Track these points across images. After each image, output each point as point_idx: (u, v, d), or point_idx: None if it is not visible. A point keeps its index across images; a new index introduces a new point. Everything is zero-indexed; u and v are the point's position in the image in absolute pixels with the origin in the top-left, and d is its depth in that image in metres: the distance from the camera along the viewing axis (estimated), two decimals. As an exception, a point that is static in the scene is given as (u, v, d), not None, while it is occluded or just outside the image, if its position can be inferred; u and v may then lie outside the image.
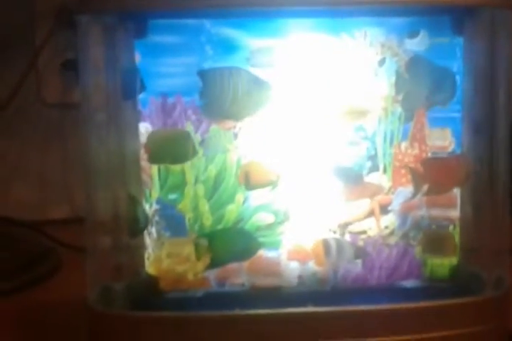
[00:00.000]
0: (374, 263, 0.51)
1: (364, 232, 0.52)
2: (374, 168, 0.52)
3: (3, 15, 0.88)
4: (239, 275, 0.50)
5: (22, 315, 0.68)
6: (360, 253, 0.51)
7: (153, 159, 0.49)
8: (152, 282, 0.50)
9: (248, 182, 0.49)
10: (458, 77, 0.51)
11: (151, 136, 0.49)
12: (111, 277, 0.50)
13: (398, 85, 0.50)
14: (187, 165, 0.50)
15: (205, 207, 0.51)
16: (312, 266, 0.51)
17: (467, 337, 0.49)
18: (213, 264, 0.50)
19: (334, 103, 0.49)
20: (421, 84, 0.50)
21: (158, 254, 0.50)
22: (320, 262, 0.50)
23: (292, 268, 0.51)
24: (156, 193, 0.51)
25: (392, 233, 0.52)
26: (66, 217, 0.94)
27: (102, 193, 0.49)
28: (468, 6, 0.47)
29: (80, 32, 0.47)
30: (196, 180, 0.51)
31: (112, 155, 0.49)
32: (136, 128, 0.50)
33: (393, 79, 0.50)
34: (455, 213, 0.52)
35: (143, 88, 0.49)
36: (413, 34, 0.50)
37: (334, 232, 0.51)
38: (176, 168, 0.50)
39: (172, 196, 0.51)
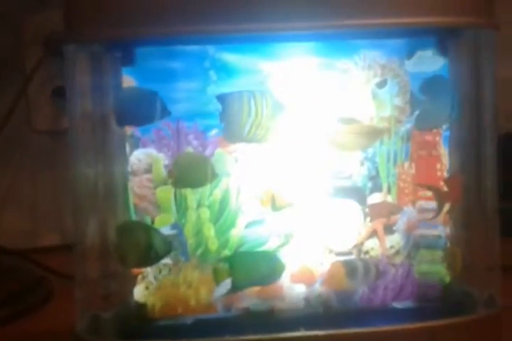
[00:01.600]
0: (380, 284, 0.51)
1: (367, 252, 0.52)
2: (376, 189, 0.52)
3: (-10, 44, 0.89)
4: (244, 300, 0.50)
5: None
6: (380, 274, 0.51)
7: (178, 184, 0.48)
8: (141, 310, 0.49)
9: (274, 204, 0.49)
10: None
11: (177, 161, 0.48)
12: (99, 306, 0.49)
13: (413, 105, 0.50)
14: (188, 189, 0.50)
15: (210, 231, 0.50)
16: (318, 288, 0.50)
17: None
18: (234, 288, 0.48)
19: (338, 124, 0.49)
20: (439, 104, 0.49)
21: (162, 280, 0.50)
22: (339, 284, 0.50)
23: (298, 291, 0.50)
24: (170, 219, 0.50)
25: (397, 253, 0.52)
26: (57, 244, 0.93)
27: (91, 221, 0.48)
28: (451, 26, 0.47)
29: (67, 60, 0.48)
30: (199, 205, 0.50)
31: (100, 182, 0.49)
32: (124, 155, 0.50)
33: (396, 99, 0.50)
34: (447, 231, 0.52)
35: (166, 113, 0.48)
36: (409, 55, 0.50)
37: (349, 254, 0.51)
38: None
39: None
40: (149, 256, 0.47)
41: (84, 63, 0.47)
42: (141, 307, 0.50)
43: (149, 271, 0.50)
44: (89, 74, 0.48)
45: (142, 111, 0.48)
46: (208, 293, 0.49)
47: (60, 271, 0.82)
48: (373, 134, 0.50)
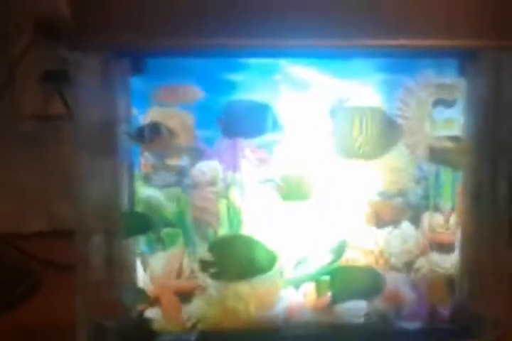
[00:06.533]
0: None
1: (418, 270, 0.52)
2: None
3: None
4: (302, 314, 0.50)
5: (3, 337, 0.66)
6: None
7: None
8: (145, 324, 0.49)
9: None
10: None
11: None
12: (102, 315, 0.49)
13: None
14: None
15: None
16: (378, 303, 0.50)
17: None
18: (334, 301, 0.49)
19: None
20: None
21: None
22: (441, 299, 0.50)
23: (360, 307, 0.50)
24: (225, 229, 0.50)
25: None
26: (43, 230, 0.92)
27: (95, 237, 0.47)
28: (470, 48, 0.47)
29: (74, 67, 0.46)
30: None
31: (105, 189, 0.48)
32: (129, 162, 0.49)
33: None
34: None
35: (278, 127, 0.48)
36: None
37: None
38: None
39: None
40: (253, 268, 0.48)
41: (92, 71, 0.46)
42: (146, 320, 0.49)
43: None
44: (96, 82, 0.46)
45: (254, 123, 0.47)
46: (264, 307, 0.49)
47: (47, 260, 0.81)
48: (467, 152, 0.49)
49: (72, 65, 0.46)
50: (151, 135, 0.47)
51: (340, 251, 0.50)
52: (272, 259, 0.48)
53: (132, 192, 0.49)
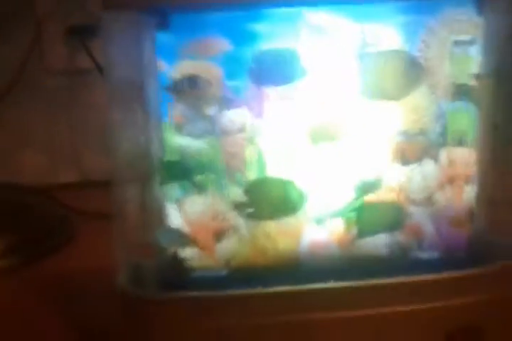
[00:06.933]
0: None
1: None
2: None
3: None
4: (326, 248, 0.52)
5: (46, 282, 0.70)
6: None
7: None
8: (180, 262, 0.52)
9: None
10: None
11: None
12: (141, 255, 0.52)
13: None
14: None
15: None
16: (399, 236, 0.52)
17: (483, 304, 0.52)
18: (360, 236, 0.52)
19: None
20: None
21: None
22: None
23: (382, 240, 0.53)
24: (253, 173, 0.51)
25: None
26: (76, 181, 0.95)
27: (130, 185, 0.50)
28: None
29: (103, 28, 0.48)
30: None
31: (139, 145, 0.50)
32: (159, 120, 0.50)
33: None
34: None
35: (303, 73, 0.49)
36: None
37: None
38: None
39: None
40: (288, 207, 0.51)
41: (122, 28, 0.48)
42: (181, 259, 0.52)
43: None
44: (126, 38, 0.48)
45: (283, 70, 0.49)
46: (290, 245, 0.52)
47: (81, 209, 0.84)
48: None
49: (103, 21, 0.47)
50: (190, 87, 0.49)
51: (363, 188, 0.52)
52: (302, 199, 0.51)
53: (164, 142, 0.51)
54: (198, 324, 0.50)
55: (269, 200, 0.51)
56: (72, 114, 0.93)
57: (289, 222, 0.52)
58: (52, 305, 0.65)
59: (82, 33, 0.87)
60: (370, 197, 0.52)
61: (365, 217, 0.52)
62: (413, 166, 0.52)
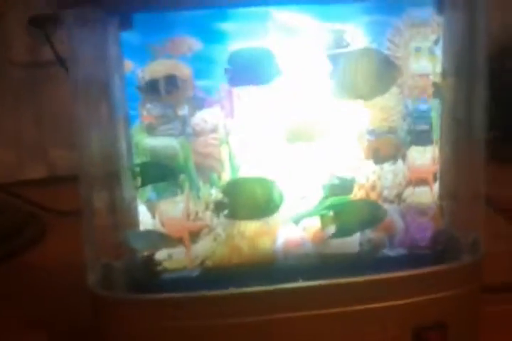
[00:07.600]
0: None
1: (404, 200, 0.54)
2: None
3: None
4: (302, 246, 0.52)
5: (15, 281, 0.69)
6: None
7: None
8: (151, 264, 0.51)
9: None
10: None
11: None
12: (111, 256, 0.51)
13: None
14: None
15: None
16: (371, 233, 0.53)
17: (449, 300, 0.52)
18: (339, 234, 0.52)
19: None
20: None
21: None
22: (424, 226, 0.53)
23: (354, 238, 0.53)
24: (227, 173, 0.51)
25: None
26: (42, 177, 0.94)
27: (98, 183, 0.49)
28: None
29: (65, 26, 0.47)
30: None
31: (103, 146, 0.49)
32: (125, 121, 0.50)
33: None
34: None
35: (279, 73, 0.49)
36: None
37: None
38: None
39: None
40: (269, 207, 0.50)
41: (83, 28, 0.46)
42: (150, 260, 0.51)
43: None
44: (88, 40, 0.47)
45: (259, 70, 0.48)
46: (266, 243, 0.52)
47: (50, 207, 0.83)
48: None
49: (62, 18, 0.46)
50: (168, 87, 0.48)
51: (337, 187, 0.52)
52: (281, 199, 0.51)
53: (132, 143, 0.50)
54: (168, 325, 0.49)
55: (249, 200, 0.50)
56: (38, 107, 0.92)
57: (266, 221, 0.52)
58: (20, 304, 0.64)
59: (45, 24, 0.85)
60: (344, 196, 0.52)
61: (344, 216, 0.52)
62: (387, 164, 0.52)
